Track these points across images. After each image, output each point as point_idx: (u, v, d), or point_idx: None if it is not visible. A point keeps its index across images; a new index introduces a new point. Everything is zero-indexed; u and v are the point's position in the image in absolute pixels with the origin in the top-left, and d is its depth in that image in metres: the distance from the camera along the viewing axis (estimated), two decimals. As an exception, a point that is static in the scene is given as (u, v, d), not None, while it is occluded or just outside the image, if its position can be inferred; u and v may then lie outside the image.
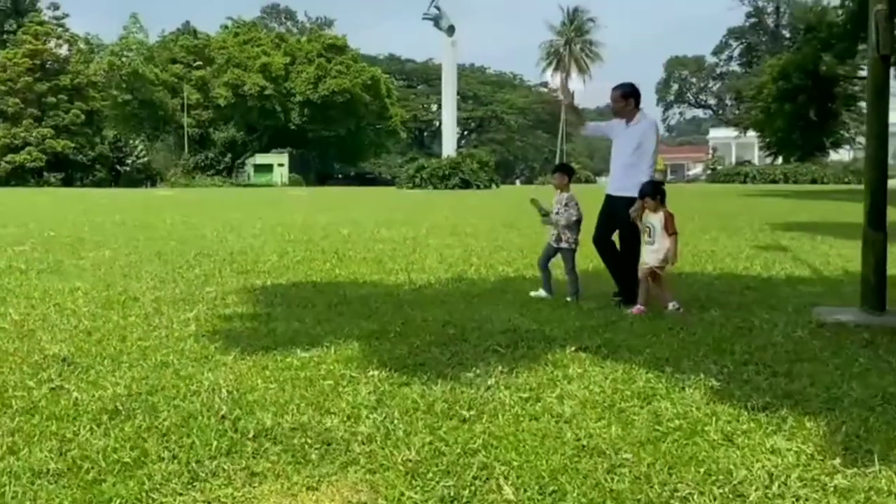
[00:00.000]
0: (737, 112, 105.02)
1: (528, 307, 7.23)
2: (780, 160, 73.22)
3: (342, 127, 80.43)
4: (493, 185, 51.63)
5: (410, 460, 3.61)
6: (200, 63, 79.94)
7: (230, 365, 5.32)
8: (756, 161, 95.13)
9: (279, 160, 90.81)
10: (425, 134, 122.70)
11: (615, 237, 7.59)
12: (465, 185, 48.77)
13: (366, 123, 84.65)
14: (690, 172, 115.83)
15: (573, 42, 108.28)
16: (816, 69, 43.41)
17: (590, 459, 3.61)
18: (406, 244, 12.72)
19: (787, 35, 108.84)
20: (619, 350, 5.52)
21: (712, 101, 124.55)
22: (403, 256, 11.02)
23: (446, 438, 3.86)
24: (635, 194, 7.15)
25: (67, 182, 69.39)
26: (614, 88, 7.62)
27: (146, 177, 76.82)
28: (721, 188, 52.52)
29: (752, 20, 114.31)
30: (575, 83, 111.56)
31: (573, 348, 5.51)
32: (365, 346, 5.75)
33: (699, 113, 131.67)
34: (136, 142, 79.90)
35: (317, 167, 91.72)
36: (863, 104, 50.58)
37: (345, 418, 4.18)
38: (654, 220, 7.00)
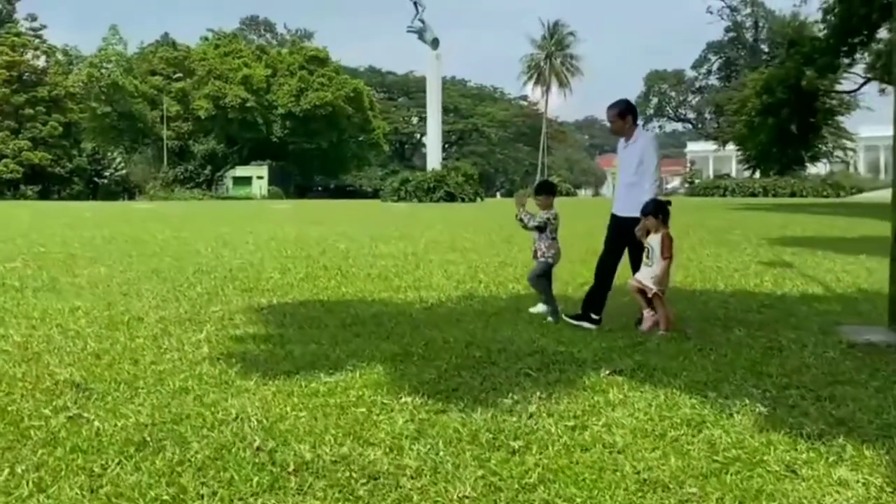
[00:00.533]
0: (716, 126, 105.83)
1: (547, 327, 7.08)
2: (758, 174, 73.91)
3: (325, 139, 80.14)
4: (478, 199, 51.54)
5: (467, 497, 3.44)
6: (180, 75, 79.40)
7: (253, 391, 5.12)
8: (734, 174, 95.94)
9: (258, 172, 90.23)
10: (406, 146, 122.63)
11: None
12: (450, 198, 48.64)
13: (348, 136, 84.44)
14: (668, 186, 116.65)
15: (553, 56, 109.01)
16: (799, 83, 43.79)
17: (654, 494, 3.46)
18: (408, 260, 12.52)
19: (766, 49, 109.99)
20: (654, 373, 5.36)
21: (691, 115, 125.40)
22: (408, 273, 10.84)
23: (499, 472, 3.68)
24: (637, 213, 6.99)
25: (44, 195, 68.57)
26: (610, 107, 7.40)
27: (124, 189, 76.08)
28: (702, 202, 52.66)
29: (731, 34, 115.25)
30: (555, 97, 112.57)
31: (607, 372, 5.35)
32: (391, 370, 5.56)
33: (678, 126, 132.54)
34: (115, 154, 79.19)
35: (296, 180, 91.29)
36: (840, 118, 51.00)
37: (387, 450, 3.99)
38: (654, 241, 6.84)
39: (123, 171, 78.94)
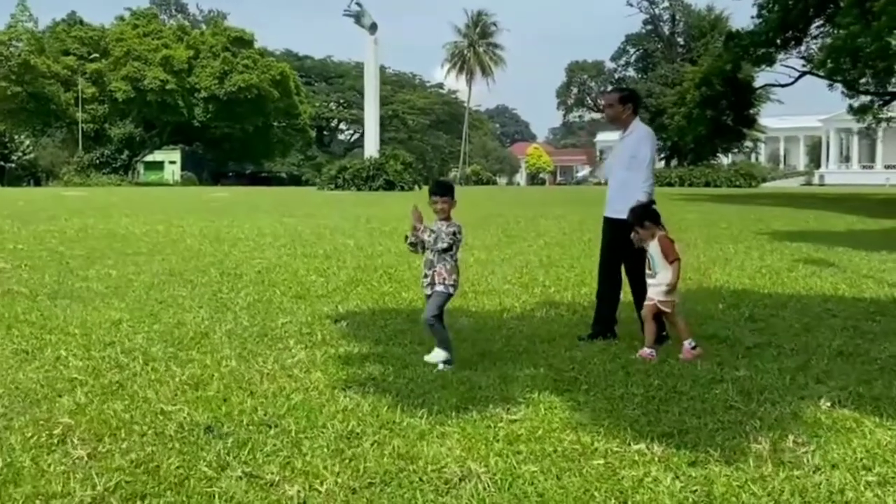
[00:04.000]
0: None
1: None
2: (674, 163, 75.29)
3: (250, 124, 77.65)
4: (416, 187, 50.65)
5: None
6: (96, 55, 75.64)
7: (436, 434, 4.35)
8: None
9: (171, 157, 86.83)
10: (325, 133, 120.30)
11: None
12: (390, 186, 47.61)
13: (274, 121, 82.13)
14: (579, 174, 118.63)
15: (477, 44, 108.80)
16: (735, 76, 44.42)
17: None
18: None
19: (682, 42, 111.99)
20: (879, 403, 4.78)
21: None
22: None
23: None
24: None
25: (-57, 179, 64.32)
26: (609, 92, 6.76)
27: (30, 175, 72.00)
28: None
29: (649, 27, 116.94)
30: (480, 84, 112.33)
31: (828, 404, 4.74)
32: (570, 402, 4.86)
33: (596, 116, 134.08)
34: (23, 137, 75.02)
35: (210, 165, 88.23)
36: (762, 107, 51.91)
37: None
38: (652, 249, 6.10)
39: (31, 155, 74.87)
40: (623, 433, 4.30)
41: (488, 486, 3.67)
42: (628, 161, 6.57)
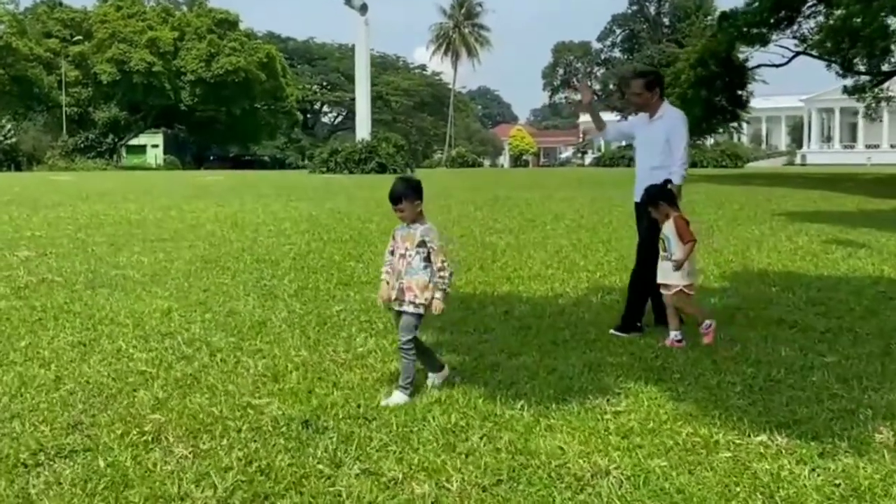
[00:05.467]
0: (622, 97, 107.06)
1: (755, 325, 6.31)
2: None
3: (237, 107, 76.81)
4: (409, 170, 50.32)
5: None
6: (80, 38, 74.49)
7: (543, 426, 4.21)
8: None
9: (153, 141, 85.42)
10: (308, 116, 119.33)
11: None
12: (382, 169, 47.19)
13: (260, 103, 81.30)
14: (562, 156, 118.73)
15: (462, 25, 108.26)
16: (730, 57, 44.20)
17: None
18: (472, 244, 11.48)
19: (667, 23, 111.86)
20: None
21: (597, 87, 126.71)
22: (492, 259, 9.94)
23: None
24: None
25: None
26: (634, 77, 6.57)
27: (11, 159, 70.71)
28: (624, 172, 52.88)
29: (634, 7, 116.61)
30: (464, 65, 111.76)
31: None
32: (670, 393, 4.77)
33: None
34: (3, 121, 73.84)
35: (192, 149, 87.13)
36: (750, 88, 51.49)
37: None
38: (667, 230, 5.95)
39: (13, 140, 73.68)
40: (739, 424, 4.19)
41: (622, 482, 3.55)
42: (662, 146, 6.41)
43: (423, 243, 4.74)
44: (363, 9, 50.56)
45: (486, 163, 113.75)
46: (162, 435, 4.17)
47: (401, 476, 3.64)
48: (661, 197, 5.98)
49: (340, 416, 4.42)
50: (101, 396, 4.81)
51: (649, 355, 5.53)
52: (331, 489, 3.53)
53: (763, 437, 4.00)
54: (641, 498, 3.41)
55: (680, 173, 6.26)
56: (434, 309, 4.75)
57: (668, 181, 6.11)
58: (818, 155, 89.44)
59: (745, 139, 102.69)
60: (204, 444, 4.05)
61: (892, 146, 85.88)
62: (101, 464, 3.80)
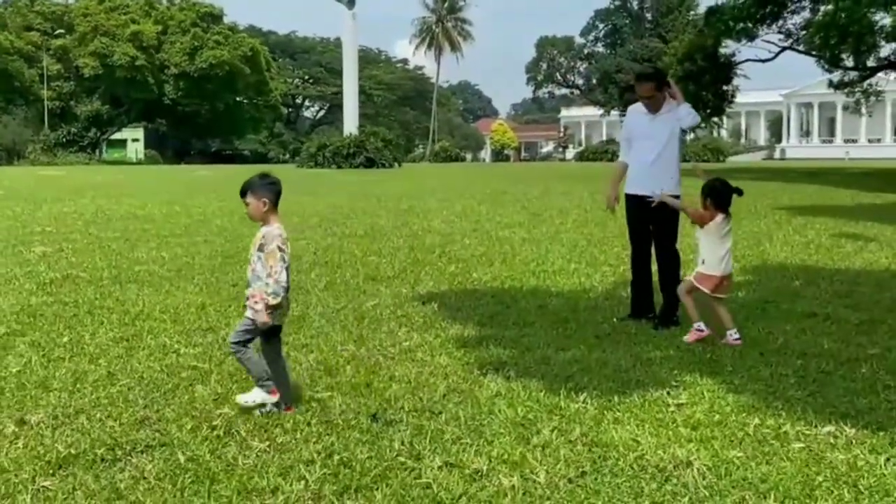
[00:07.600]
0: (605, 92, 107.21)
1: (789, 318, 6.40)
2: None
3: (221, 101, 76.39)
4: (396, 164, 50.34)
5: None
6: (62, 31, 73.76)
7: (610, 419, 4.27)
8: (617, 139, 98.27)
9: (133, 135, 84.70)
10: (290, 110, 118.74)
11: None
12: (370, 163, 47.17)
13: (244, 97, 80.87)
14: (543, 150, 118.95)
15: (445, 19, 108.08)
16: (716, 52, 44.49)
17: None
18: (487, 239, 11.52)
19: (650, 18, 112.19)
20: None
21: (580, 81, 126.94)
22: (512, 254, 9.99)
23: None
24: (677, 191, 6.39)
25: None
26: (642, 80, 6.46)
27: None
28: (603, 167, 53.03)
29: (617, 2, 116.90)
30: (446, 59, 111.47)
31: None
32: (727, 385, 4.83)
33: (567, 92, 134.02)
34: (-17, 115, 73.00)
35: (174, 143, 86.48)
36: (735, 83, 51.58)
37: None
38: (699, 233, 5.94)
39: (-8, 135, 72.82)
40: (804, 415, 4.27)
41: (705, 473, 3.61)
42: (665, 140, 6.49)
43: (262, 247, 4.39)
44: (350, 2, 50.40)
45: (468, 157, 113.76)
46: (233, 429, 4.19)
47: (485, 468, 3.68)
48: (710, 194, 5.86)
49: (407, 409, 4.46)
50: (159, 392, 4.81)
51: (697, 348, 5.60)
52: (418, 481, 3.57)
53: (830, 428, 4.08)
54: (727, 487, 3.47)
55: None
56: (256, 320, 4.30)
57: (717, 179, 6.06)
58: (797, 149, 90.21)
59: (724, 133, 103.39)
60: (279, 437, 4.07)
61: (869, 141, 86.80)
62: (181, 458, 3.82)
